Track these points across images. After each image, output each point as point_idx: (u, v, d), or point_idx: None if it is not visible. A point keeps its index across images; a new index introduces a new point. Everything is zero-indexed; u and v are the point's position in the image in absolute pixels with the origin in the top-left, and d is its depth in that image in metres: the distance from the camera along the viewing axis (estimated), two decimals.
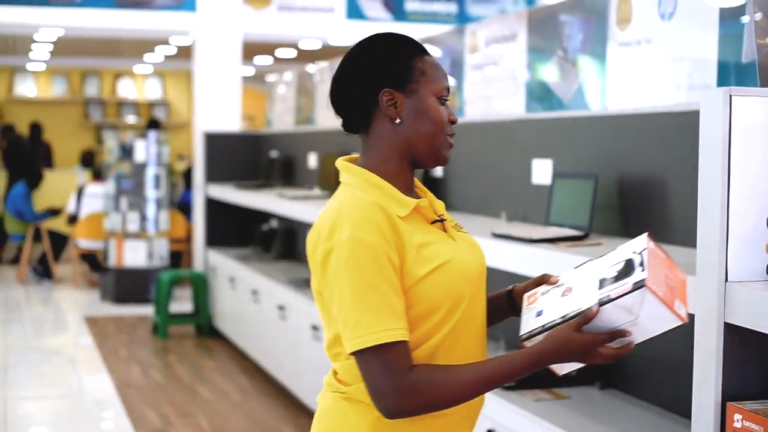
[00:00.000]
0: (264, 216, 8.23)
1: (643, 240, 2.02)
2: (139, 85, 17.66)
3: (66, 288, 11.00)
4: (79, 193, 11.12)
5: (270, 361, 6.76)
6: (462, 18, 10.71)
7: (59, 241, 11.74)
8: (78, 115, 17.34)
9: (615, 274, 1.97)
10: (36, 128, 15.59)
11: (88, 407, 6.39)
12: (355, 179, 2.03)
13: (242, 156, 9.03)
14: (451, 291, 2.00)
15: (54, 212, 11.70)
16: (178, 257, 10.98)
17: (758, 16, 2.99)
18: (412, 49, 2.05)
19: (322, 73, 8.00)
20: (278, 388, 6.59)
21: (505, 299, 2.19)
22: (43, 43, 13.40)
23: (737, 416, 2.27)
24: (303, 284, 6.32)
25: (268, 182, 8.30)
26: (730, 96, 2.32)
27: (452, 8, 10.92)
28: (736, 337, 2.22)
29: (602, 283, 1.96)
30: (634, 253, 1.98)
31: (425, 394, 1.90)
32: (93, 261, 10.92)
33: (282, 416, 6.03)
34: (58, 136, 16.85)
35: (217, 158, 9.01)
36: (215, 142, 9.03)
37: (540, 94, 4.55)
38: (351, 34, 10.64)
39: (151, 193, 10.21)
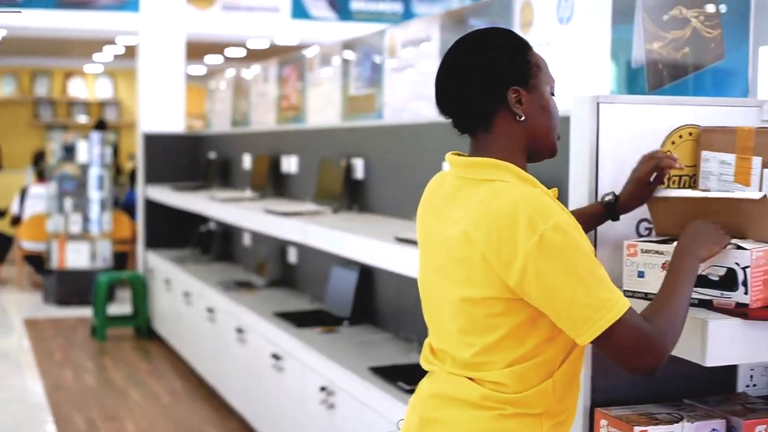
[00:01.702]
0: (204, 217, 8.19)
1: (746, 255, 2.01)
2: (89, 85, 17.50)
3: (11, 290, 10.90)
4: (23, 194, 11.02)
5: (200, 363, 6.73)
6: (408, 17, 10.69)
7: (4, 243, 11.63)
8: (27, 116, 17.15)
9: (716, 278, 2.04)
10: None
11: (14, 412, 6.32)
12: (503, 173, 1.98)
13: (182, 157, 8.99)
14: None
15: None
16: (124, 258, 10.89)
17: (646, 20, 3.01)
18: (524, 43, 2.01)
19: (255, 74, 7.98)
20: (209, 390, 6.56)
21: (603, 208, 2.25)
22: None
23: (603, 421, 2.30)
24: (232, 287, 6.29)
25: (207, 183, 8.27)
26: (598, 103, 2.34)
27: (398, 7, 10.90)
28: None
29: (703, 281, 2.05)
30: (737, 264, 2.01)
31: (670, 332, 1.90)
32: (37, 263, 10.82)
33: (209, 419, 6.00)
34: (7, 136, 16.66)
35: (158, 159, 8.96)
36: (156, 143, 8.98)
37: None
38: (296, 33, 10.60)
39: (94, 194, 10.13)
